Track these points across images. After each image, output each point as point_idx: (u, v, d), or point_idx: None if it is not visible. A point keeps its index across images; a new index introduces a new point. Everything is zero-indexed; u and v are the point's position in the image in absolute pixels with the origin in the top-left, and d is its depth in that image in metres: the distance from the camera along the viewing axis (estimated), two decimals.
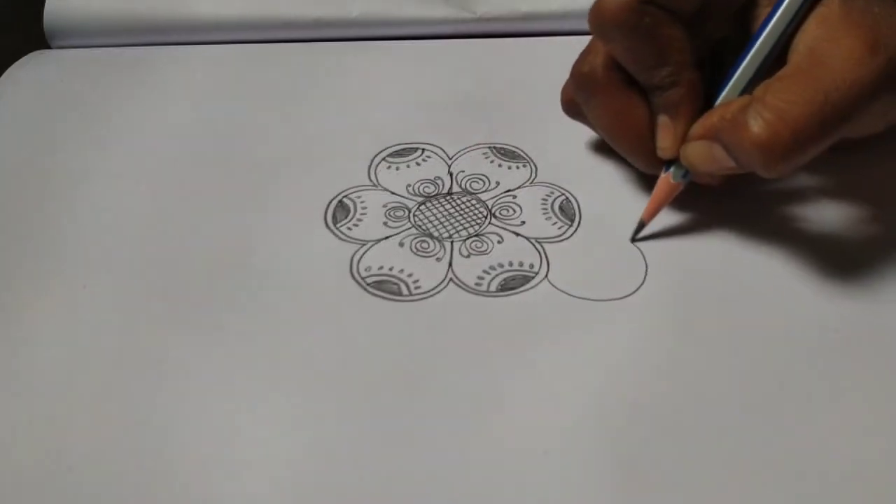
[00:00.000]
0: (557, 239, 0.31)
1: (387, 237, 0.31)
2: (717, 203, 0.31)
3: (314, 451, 0.24)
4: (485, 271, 0.29)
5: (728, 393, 0.25)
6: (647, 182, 0.32)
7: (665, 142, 0.29)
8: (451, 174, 0.34)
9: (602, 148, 0.34)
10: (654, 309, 0.28)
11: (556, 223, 0.31)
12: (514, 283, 0.29)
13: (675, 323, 0.28)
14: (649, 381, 0.26)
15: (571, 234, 0.31)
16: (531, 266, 0.30)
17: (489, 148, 0.35)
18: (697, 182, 0.30)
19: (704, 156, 0.28)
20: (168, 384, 0.26)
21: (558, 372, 0.26)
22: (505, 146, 0.35)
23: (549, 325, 0.28)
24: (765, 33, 0.27)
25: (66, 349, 0.27)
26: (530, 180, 0.33)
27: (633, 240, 0.30)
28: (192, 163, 0.34)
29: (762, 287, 0.29)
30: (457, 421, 0.25)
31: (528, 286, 0.29)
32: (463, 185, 0.33)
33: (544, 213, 0.32)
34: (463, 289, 0.29)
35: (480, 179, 0.33)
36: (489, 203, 0.32)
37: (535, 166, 0.34)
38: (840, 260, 0.29)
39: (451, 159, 0.34)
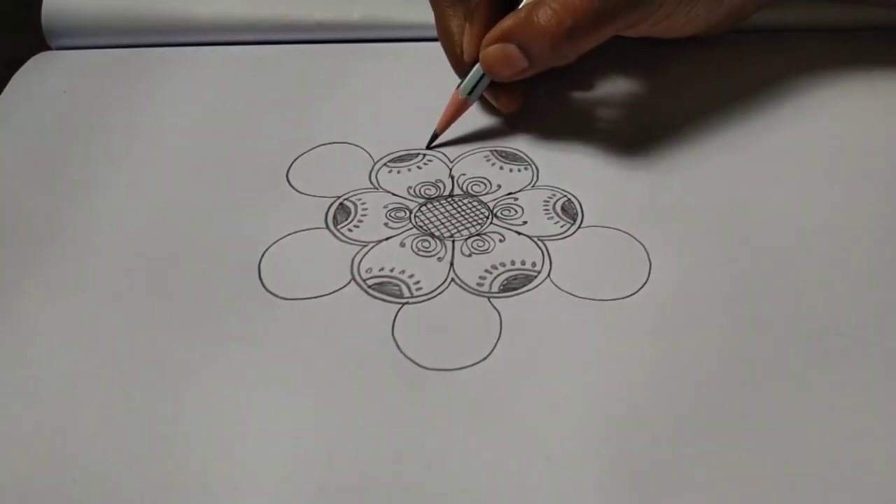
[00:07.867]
0: (560, 236, 0.30)
1: (388, 238, 0.31)
2: (718, 202, 0.31)
3: (316, 455, 0.24)
4: (486, 271, 0.29)
5: (731, 396, 0.25)
6: (650, 181, 0.32)
7: (465, 45, 0.33)
8: (452, 177, 0.33)
9: (605, 149, 0.34)
10: (658, 309, 0.28)
11: (558, 222, 0.31)
12: (515, 283, 0.29)
13: (679, 323, 0.27)
14: (652, 382, 0.25)
15: (574, 232, 0.31)
16: (533, 264, 0.29)
17: (491, 151, 0.35)
18: (490, 100, 0.35)
19: (500, 57, 0.31)
20: (170, 390, 0.26)
21: (560, 374, 0.26)
22: (506, 149, 0.35)
23: (551, 326, 0.27)
24: None
25: (67, 356, 0.27)
26: (532, 183, 0.33)
27: (428, 147, 0.34)
28: (193, 166, 0.34)
29: (765, 288, 0.28)
30: (458, 425, 0.25)
31: (530, 286, 0.29)
32: (464, 188, 0.33)
33: (546, 214, 0.31)
34: (464, 289, 0.29)
35: (482, 182, 0.33)
36: (490, 204, 0.32)
37: (537, 169, 0.34)
38: (844, 263, 0.29)
39: (451, 162, 0.34)
